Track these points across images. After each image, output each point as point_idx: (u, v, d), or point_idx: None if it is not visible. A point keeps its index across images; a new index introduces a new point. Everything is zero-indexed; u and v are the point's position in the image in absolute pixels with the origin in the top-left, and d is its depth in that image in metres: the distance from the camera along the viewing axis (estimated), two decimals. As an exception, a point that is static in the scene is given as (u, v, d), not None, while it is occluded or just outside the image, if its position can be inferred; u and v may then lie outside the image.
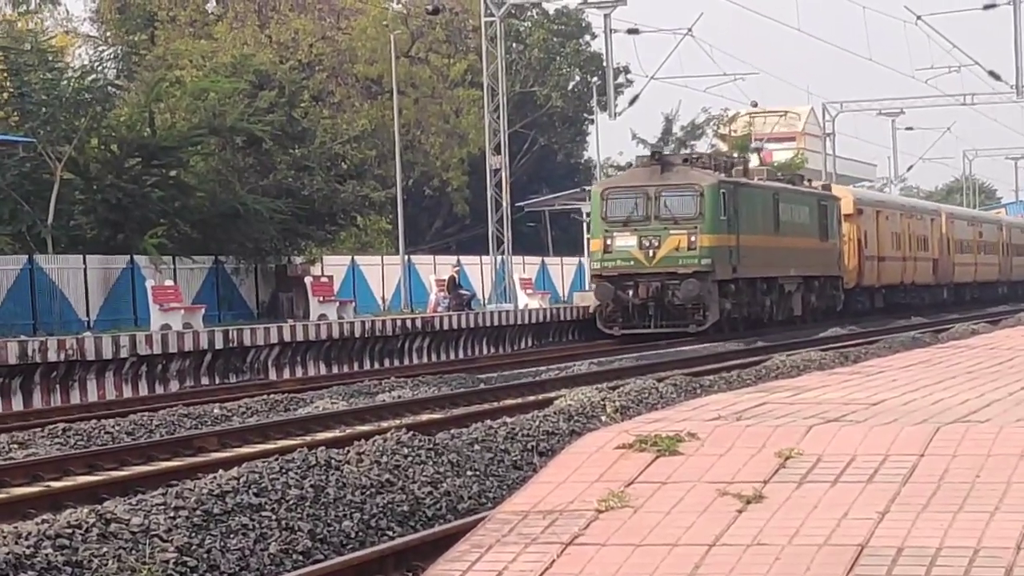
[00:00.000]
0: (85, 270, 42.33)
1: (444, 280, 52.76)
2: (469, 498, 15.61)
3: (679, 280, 45.51)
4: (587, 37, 79.67)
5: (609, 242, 46.51)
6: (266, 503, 13.69)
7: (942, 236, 73.31)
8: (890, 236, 65.22)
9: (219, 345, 36.75)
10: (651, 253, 45.84)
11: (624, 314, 46.43)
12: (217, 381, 36.03)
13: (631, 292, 45.96)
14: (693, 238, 45.61)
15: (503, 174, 55.05)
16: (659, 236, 45.88)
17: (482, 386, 30.08)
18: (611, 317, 46.86)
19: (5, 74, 46.13)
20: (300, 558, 12.88)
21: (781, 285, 52.01)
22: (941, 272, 72.70)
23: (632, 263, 46.07)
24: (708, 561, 7.33)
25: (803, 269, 53.47)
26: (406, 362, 41.98)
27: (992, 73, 69.07)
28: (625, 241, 46.18)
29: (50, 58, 49.23)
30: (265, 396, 28.27)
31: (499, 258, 55.99)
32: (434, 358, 43.56)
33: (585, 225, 58.28)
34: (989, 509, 7.79)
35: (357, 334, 41.48)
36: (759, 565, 7.23)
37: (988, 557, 7.17)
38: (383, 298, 57.88)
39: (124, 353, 34.09)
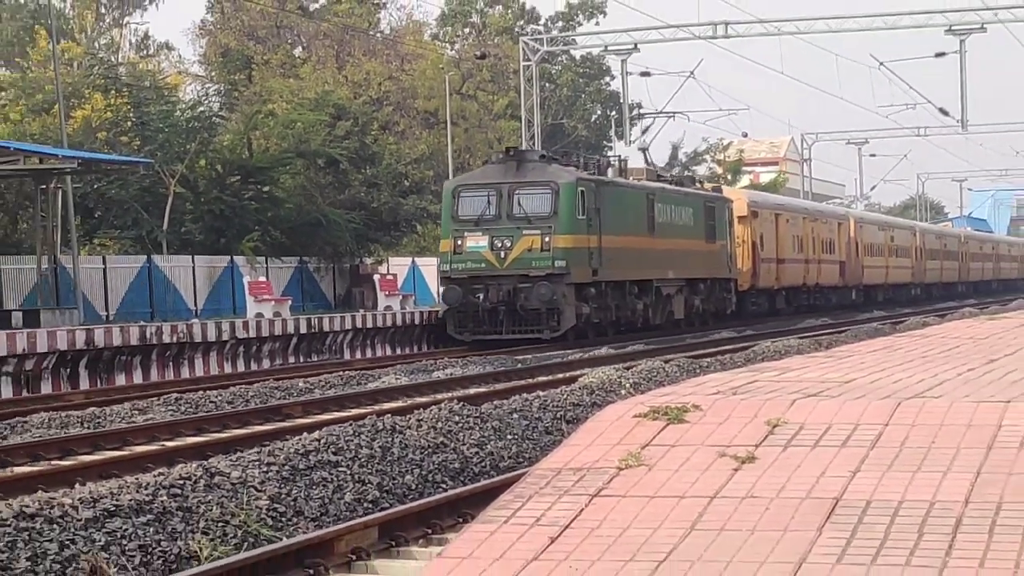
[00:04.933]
0: (193, 268, 42.46)
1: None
2: (509, 457, 15.60)
3: (531, 283, 36.24)
4: (607, 78, 79.59)
5: (459, 243, 37.20)
6: (342, 460, 13.70)
7: (850, 240, 64.81)
8: (791, 239, 56.38)
9: (303, 330, 36.84)
10: (503, 255, 36.63)
11: (474, 319, 37.09)
12: (301, 360, 36.12)
13: (481, 296, 36.58)
14: (547, 239, 36.46)
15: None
16: (511, 237, 36.67)
17: (519, 366, 30.08)
18: (461, 322, 37.58)
19: (129, 106, 46.33)
20: (370, 506, 12.88)
21: (658, 288, 42.33)
22: (849, 274, 64.36)
23: (483, 265, 36.81)
24: (710, 511, 7.31)
25: (685, 271, 44.17)
26: (457, 346, 41.96)
27: (942, 110, 68.80)
28: (476, 242, 36.94)
29: (166, 93, 49.53)
30: (341, 372, 28.32)
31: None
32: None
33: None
34: (942, 470, 7.76)
35: (417, 322, 41.56)
36: (752, 514, 7.20)
37: (941, 509, 7.14)
38: (438, 292, 57.86)
39: (225, 336, 34.20)
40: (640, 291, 41.13)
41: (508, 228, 36.74)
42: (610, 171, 41.49)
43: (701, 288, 45.99)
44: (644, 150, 54.00)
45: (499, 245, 36.71)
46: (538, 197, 36.86)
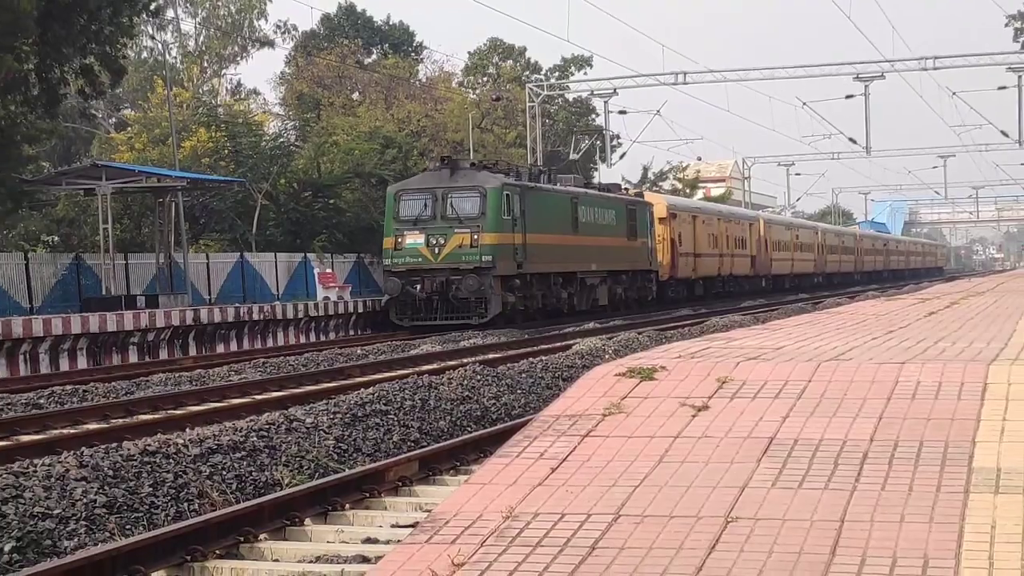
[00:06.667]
0: (276, 262, 42.44)
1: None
2: (519, 407, 15.61)
3: (462, 275, 33.17)
4: (593, 115, 79.32)
5: (400, 240, 33.83)
6: (391, 409, 13.71)
7: (760, 238, 60.97)
8: (707, 236, 52.44)
9: (360, 310, 36.89)
10: (437, 250, 33.35)
11: (412, 307, 33.82)
12: (359, 333, 36.12)
13: (418, 287, 33.39)
14: (476, 236, 33.13)
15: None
16: (445, 235, 33.32)
17: (526, 336, 30.09)
18: (401, 310, 34.18)
19: (226, 138, 46.35)
20: (412, 444, 12.90)
21: (582, 279, 38.66)
22: (759, 266, 60.57)
23: (420, 260, 33.49)
24: (674, 447, 7.31)
25: (607, 264, 40.36)
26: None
27: (851, 139, 68.44)
28: (414, 239, 33.57)
29: (254, 128, 49.45)
30: (389, 342, 28.35)
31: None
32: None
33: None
34: (852, 415, 7.75)
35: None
36: (706, 450, 7.20)
37: (852, 446, 7.14)
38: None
39: (300, 314, 34.23)
40: (565, 282, 37.63)
41: (442, 227, 33.42)
42: (542, 178, 37.84)
43: (623, 279, 42.42)
44: (574, 162, 50.32)
45: (434, 242, 33.44)
46: (468, 200, 33.47)
